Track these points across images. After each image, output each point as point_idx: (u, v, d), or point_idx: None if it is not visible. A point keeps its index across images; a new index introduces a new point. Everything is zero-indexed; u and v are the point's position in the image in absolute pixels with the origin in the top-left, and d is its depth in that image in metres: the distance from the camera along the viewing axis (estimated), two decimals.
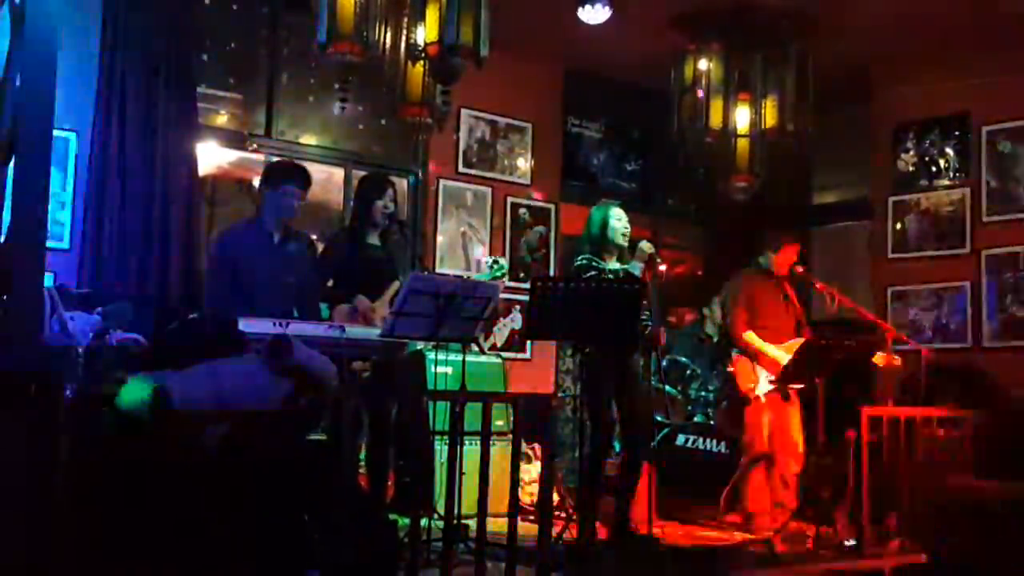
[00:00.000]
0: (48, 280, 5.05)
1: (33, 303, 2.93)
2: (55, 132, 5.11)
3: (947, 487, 5.80)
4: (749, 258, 6.49)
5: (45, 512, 2.58)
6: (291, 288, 5.02)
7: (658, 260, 5.54)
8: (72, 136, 5.90)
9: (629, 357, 5.43)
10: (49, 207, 4.26)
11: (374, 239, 5.37)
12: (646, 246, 5.46)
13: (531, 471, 6.36)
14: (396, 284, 5.17)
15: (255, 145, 6.82)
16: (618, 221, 5.54)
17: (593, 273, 5.39)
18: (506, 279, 5.60)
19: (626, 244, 5.56)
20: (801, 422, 6.10)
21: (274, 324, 4.05)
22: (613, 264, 5.50)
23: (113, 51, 5.93)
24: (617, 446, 6.15)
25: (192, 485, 3.02)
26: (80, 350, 3.32)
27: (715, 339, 7.55)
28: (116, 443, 2.92)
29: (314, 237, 5.79)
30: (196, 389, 3.12)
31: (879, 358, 6.02)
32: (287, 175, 5.14)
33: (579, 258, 5.53)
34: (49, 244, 5.49)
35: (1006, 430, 6.28)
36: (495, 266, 5.52)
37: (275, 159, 6.62)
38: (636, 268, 5.41)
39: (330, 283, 5.34)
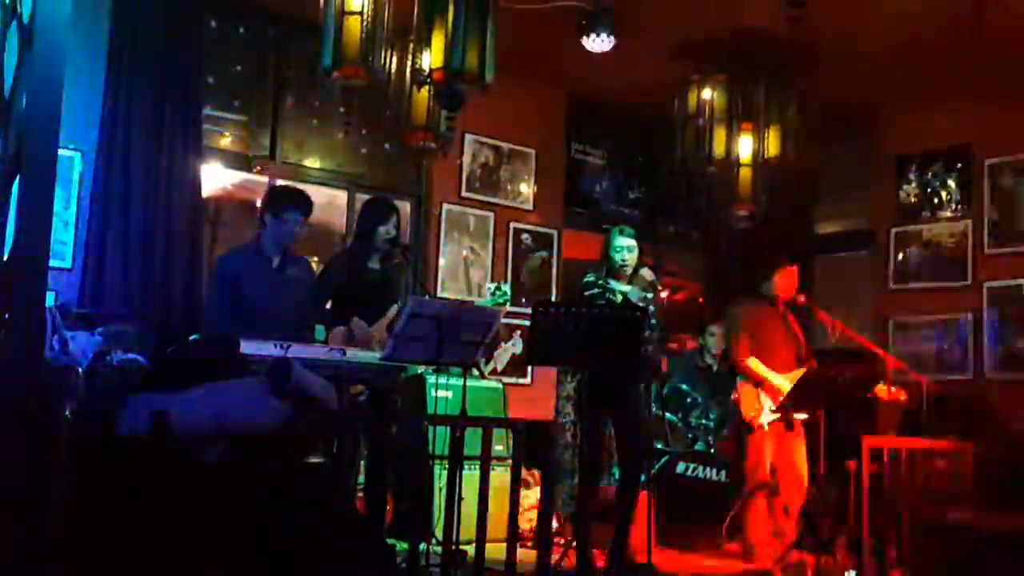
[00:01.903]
0: (50, 299, 5.07)
1: (35, 322, 2.93)
2: (59, 151, 5.16)
3: (948, 519, 5.77)
4: (750, 286, 6.49)
5: (45, 530, 2.58)
6: (289, 313, 5.03)
7: (659, 287, 5.54)
8: (76, 155, 5.92)
9: (628, 384, 5.42)
10: (52, 226, 4.27)
11: (374, 263, 5.37)
12: (647, 273, 5.47)
13: (530, 497, 6.33)
14: (395, 308, 5.17)
15: (259, 167, 6.84)
16: (617, 251, 5.53)
17: (596, 291, 5.41)
18: (508, 305, 5.59)
19: (626, 273, 5.55)
20: (804, 452, 6.07)
21: (275, 346, 4.05)
22: (621, 286, 5.49)
23: (119, 71, 5.96)
24: (616, 473, 6.13)
25: (191, 506, 3.01)
26: (80, 370, 3.32)
27: (714, 367, 7.54)
28: (115, 463, 2.91)
29: (315, 259, 5.80)
30: (196, 411, 3.11)
31: (881, 391, 5.99)
32: (289, 201, 5.15)
33: (588, 275, 5.55)
34: (51, 263, 5.50)
35: (1007, 463, 6.25)
36: (497, 292, 5.52)
37: (279, 181, 6.65)
38: (635, 295, 5.40)
39: (328, 305, 5.34)
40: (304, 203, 5.16)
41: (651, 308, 5.48)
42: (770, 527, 6.07)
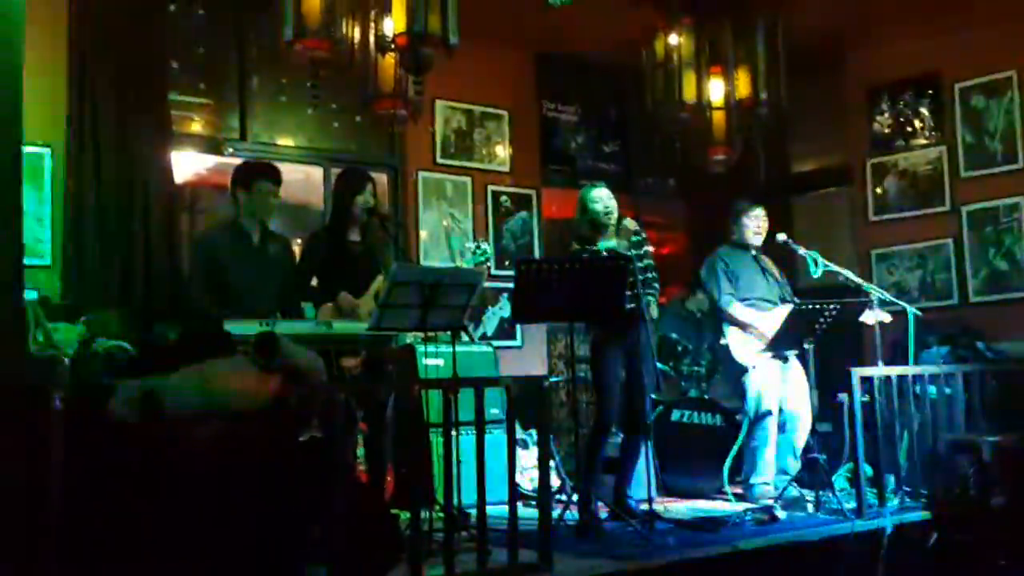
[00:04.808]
0: (31, 295, 5.04)
1: (14, 318, 2.92)
2: (28, 149, 5.12)
3: (942, 443, 5.83)
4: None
5: (42, 521, 2.58)
6: (272, 290, 5.02)
7: (643, 236, 5.55)
8: (46, 152, 5.87)
9: (639, 328, 5.39)
10: (26, 224, 4.24)
11: (355, 235, 5.35)
12: (630, 223, 5.47)
13: (530, 457, 6.35)
14: (380, 278, 5.16)
15: (231, 150, 6.80)
16: (596, 202, 5.52)
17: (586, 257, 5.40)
18: (491, 262, 5.58)
19: (612, 222, 5.54)
20: (806, 387, 6.04)
21: (260, 324, 4.05)
22: (608, 243, 5.48)
23: (82, 65, 5.91)
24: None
25: (187, 487, 3.01)
26: (66, 360, 3.32)
27: (697, 315, 7.56)
28: (109, 449, 2.91)
29: (297, 242, 5.78)
30: (185, 392, 3.11)
31: (867, 317, 5.99)
32: (258, 171, 5.15)
33: (573, 244, 5.53)
34: (30, 261, 5.47)
35: (996, 383, 6.31)
36: (478, 250, 5.54)
37: None
38: (622, 246, 5.40)
39: (314, 282, 5.33)
40: (273, 171, 5.17)
41: (647, 260, 5.49)
42: (774, 466, 6.09)
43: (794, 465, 6.04)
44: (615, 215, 5.51)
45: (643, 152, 8.87)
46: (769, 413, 6.03)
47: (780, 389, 6.06)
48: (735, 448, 6.15)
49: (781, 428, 6.10)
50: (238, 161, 6.80)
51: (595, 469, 5.41)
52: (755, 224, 6.26)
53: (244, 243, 5.08)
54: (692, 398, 6.93)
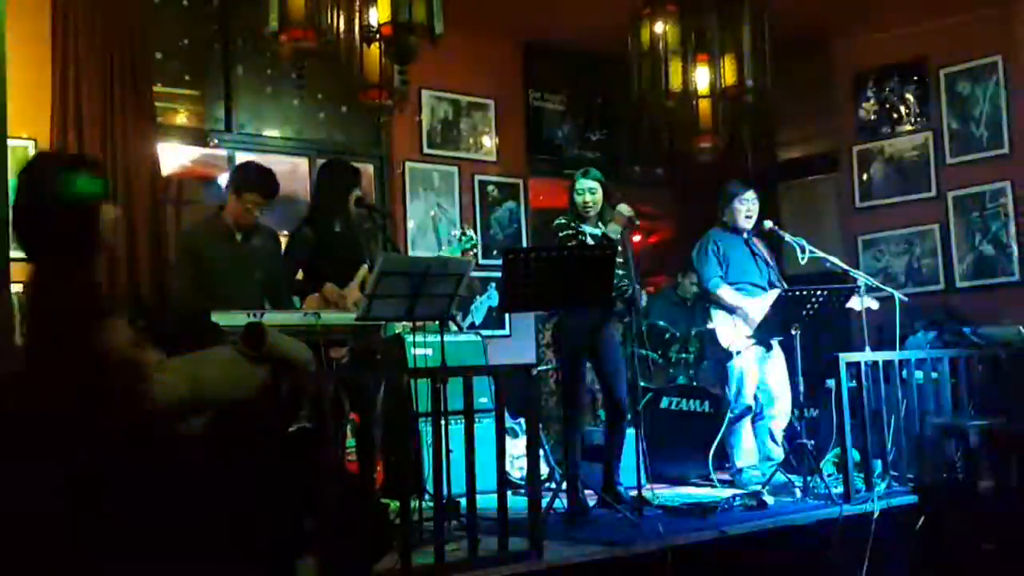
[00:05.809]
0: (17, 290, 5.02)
1: (1, 311, 2.91)
2: (13, 142, 5.09)
3: (929, 427, 5.86)
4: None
5: (31, 515, 2.58)
6: (257, 284, 5.02)
7: (636, 223, 5.55)
8: (30, 144, 5.85)
9: (605, 323, 5.45)
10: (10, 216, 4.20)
11: (339, 226, 5.34)
12: (625, 208, 5.46)
13: (519, 446, 6.36)
14: (364, 268, 5.16)
15: (216, 141, 6.78)
16: (580, 193, 5.56)
17: (568, 232, 5.43)
18: (477, 250, 5.58)
19: (590, 215, 5.56)
20: (786, 373, 6.10)
21: (248, 315, 4.04)
22: (591, 228, 5.51)
23: (66, 56, 5.89)
24: (602, 413, 6.17)
25: (174, 479, 3.01)
26: None
27: (688, 302, 7.58)
28: (96, 443, 2.90)
29: (284, 234, 5.77)
30: (172, 383, 3.09)
31: (854, 303, 6.01)
32: (250, 185, 5.10)
33: (559, 219, 5.58)
34: (16, 255, 5.45)
35: (982, 368, 6.34)
36: (464, 237, 5.55)
37: (238, 154, 6.61)
38: (615, 231, 5.41)
39: (299, 275, 5.32)
40: (268, 186, 5.12)
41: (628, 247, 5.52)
42: (757, 451, 6.14)
43: (777, 450, 6.09)
44: (594, 208, 5.53)
45: (630, 141, 8.87)
46: (752, 399, 6.07)
47: (760, 375, 6.11)
48: (720, 434, 6.18)
49: (760, 414, 6.15)
50: (223, 152, 6.82)
51: (575, 456, 5.42)
52: (746, 208, 6.28)
53: (225, 236, 5.07)
54: (680, 385, 6.95)
